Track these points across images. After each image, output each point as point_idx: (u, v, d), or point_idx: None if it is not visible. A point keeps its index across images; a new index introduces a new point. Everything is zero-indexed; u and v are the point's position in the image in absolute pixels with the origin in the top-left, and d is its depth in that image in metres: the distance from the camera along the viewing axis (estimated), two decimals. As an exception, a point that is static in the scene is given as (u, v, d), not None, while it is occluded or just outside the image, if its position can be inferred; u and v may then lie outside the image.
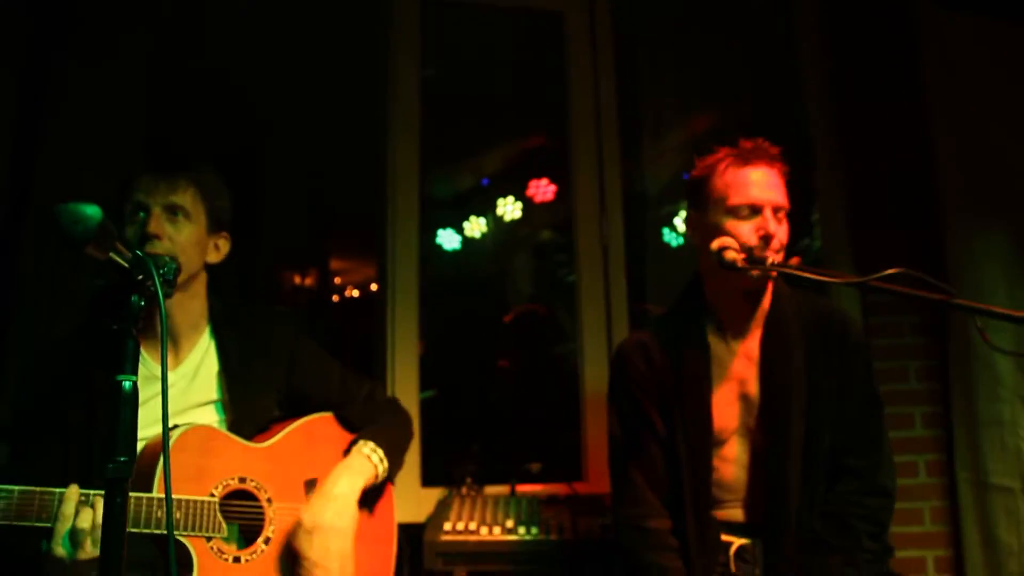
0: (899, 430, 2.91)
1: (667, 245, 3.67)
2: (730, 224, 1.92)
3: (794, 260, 1.82)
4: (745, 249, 1.89)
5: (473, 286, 4.12)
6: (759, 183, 1.92)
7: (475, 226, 4.30)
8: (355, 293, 4.58)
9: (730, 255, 1.86)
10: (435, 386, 3.22)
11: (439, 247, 4.17)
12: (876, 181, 3.09)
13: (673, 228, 3.70)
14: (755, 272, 1.88)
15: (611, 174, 3.16)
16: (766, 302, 2.03)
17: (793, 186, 2.02)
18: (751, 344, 2.01)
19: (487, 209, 4.29)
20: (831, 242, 3.12)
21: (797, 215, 2.06)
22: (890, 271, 1.54)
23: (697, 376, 1.98)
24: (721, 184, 1.95)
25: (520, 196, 4.20)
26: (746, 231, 1.90)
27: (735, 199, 1.93)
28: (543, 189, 4.11)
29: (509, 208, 4.24)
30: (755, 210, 1.91)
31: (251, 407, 1.96)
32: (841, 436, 1.96)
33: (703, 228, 1.99)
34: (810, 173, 3.22)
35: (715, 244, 1.89)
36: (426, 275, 3.08)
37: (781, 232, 1.93)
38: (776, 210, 1.92)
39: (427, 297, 3.04)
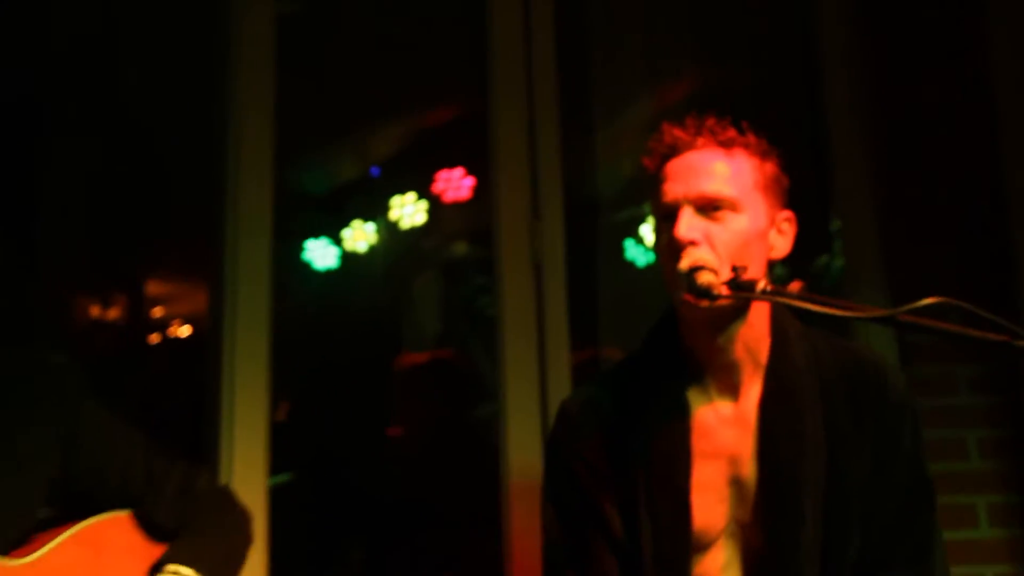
0: (957, 529, 2.90)
1: (630, 264, 3.69)
2: (657, 241, 1.98)
3: (794, 285, 1.80)
4: (734, 270, 1.88)
5: (355, 321, 4.10)
6: (675, 174, 1.97)
7: (359, 235, 4.28)
8: (185, 331, 4.48)
9: (705, 278, 1.85)
10: (293, 467, 3.21)
11: (306, 265, 4.14)
12: (922, 175, 3.14)
13: (639, 239, 3.72)
14: (719, 302, 1.87)
15: (548, 163, 3.15)
16: (764, 346, 2.02)
17: (802, 183, 2.05)
18: (746, 406, 2.00)
19: (377, 211, 4.27)
20: (857, 260, 3.16)
21: (810, 223, 2.08)
22: (926, 301, 1.53)
23: (671, 451, 1.97)
24: (652, 189, 2.02)
25: (424, 193, 4.20)
26: (664, 248, 1.95)
27: (654, 205, 2.00)
28: (455, 184, 4.12)
29: (408, 210, 4.24)
30: (671, 215, 1.95)
31: (3, 508, 1.90)
32: (875, 539, 1.96)
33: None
34: (827, 164, 3.27)
35: (684, 263, 1.88)
36: (284, 305, 3.04)
37: (721, 235, 1.93)
38: (705, 206, 1.93)
39: (285, 338, 2.99)
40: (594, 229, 3.47)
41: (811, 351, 2.04)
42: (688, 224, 1.90)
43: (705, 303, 1.86)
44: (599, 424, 2.03)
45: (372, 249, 4.28)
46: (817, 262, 3.34)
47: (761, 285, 1.82)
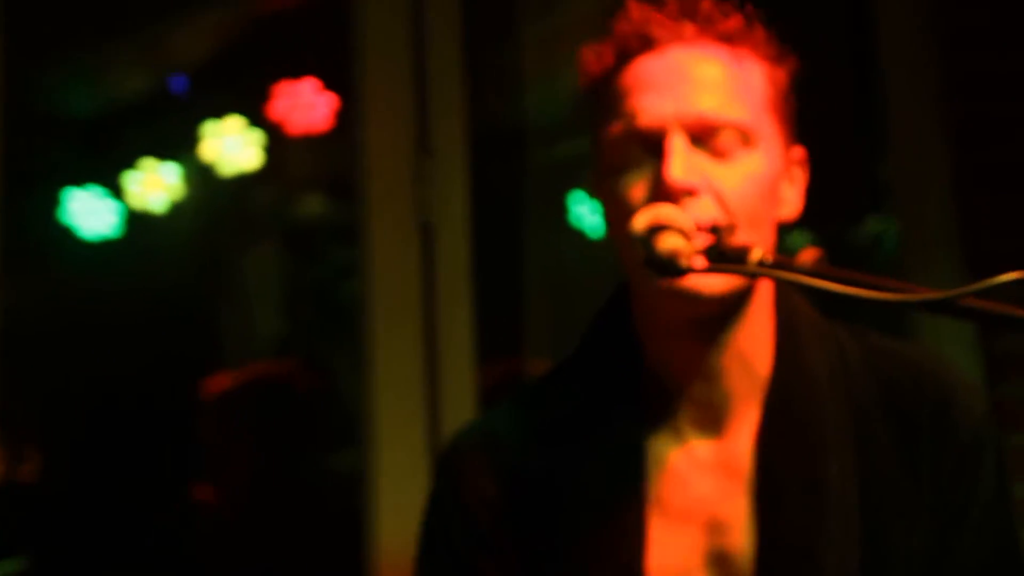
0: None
1: (573, 231, 3.73)
2: (612, 185, 1.93)
3: (806, 254, 1.79)
4: (715, 231, 1.85)
5: (147, 320, 4.03)
6: (654, 81, 1.93)
7: (152, 184, 4.20)
8: None
9: (669, 242, 1.80)
10: (30, 547, 3.18)
11: (66, 231, 4.04)
12: (1010, 99, 3.21)
13: (591, 191, 3.74)
14: (703, 285, 1.85)
15: (444, 71, 3.22)
16: (765, 352, 2.02)
17: (838, 110, 2.01)
18: (736, 445, 1.99)
19: (181, 147, 4.23)
20: (919, 224, 3.23)
21: (853, 170, 2.05)
22: (1005, 277, 1.49)
23: (617, 514, 1.97)
24: (607, 101, 1.97)
25: (256, 119, 4.18)
26: (634, 198, 1.90)
27: (613, 128, 1.94)
28: (305, 104, 4.09)
29: (231, 145, 4.20)
30: (650, 145, 1.91)
31: None
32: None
33: (602, 194, 2.00)
34: (877, 83, 3.32)
35: (640, 222, 1.83)
36: (27, 294, 3.09)
37: (730, 182, 1.90)
38: (704, 135, 1.91)
39: (29, 348, 3.03)
40: (518, 174, 3.52)
41: (838, 359, 2.04)
42: (686, 162, 1.86)
43: (706, 290, 1.85)
44: (506, 472, 2.02)
45: (174, 207, 4.20)
46: (863, 227, 3.38)
47: (757, 255, 1.78)
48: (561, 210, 3.70)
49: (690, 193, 1.85)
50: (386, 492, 3.05)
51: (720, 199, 1.88)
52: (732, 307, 1.96)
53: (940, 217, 3.24)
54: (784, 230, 2.01)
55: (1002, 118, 3.22)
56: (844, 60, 3.43)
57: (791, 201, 2.02)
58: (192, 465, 3.64)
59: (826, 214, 2.09)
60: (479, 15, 3.26)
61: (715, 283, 1.87)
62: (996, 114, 3.22)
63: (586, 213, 3.75)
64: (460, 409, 3.07)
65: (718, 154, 1.90)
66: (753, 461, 1.98)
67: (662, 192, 1.85)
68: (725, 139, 1.91)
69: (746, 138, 1.91)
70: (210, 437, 3.65)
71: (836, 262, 2.12)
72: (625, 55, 1.97)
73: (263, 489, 3.60)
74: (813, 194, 2.04)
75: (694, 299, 1.87)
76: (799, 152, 2.03)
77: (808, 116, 2.04)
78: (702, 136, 1.89)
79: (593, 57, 2.00)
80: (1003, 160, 3.20)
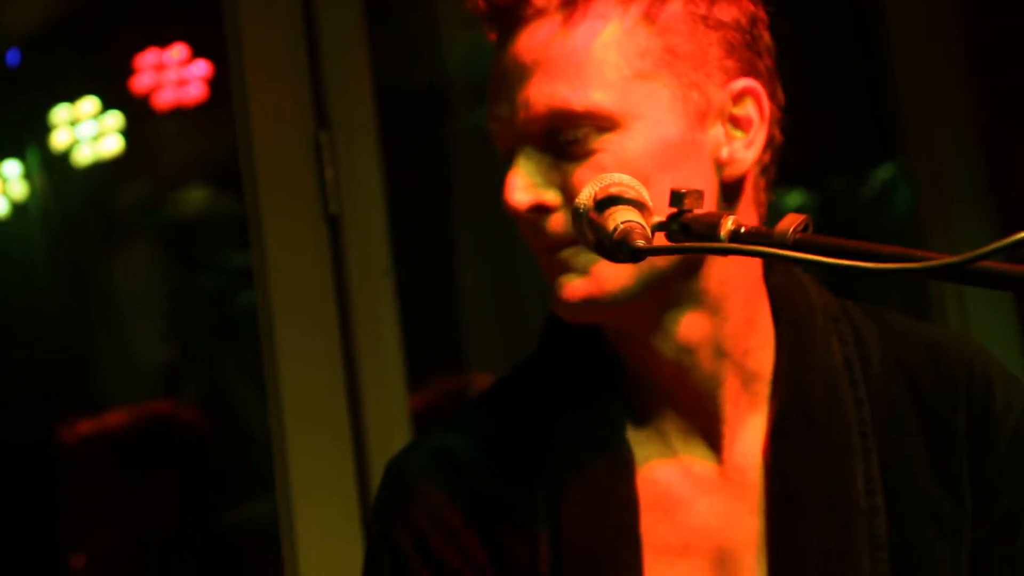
0: None
1: None
2: None
3: (786, 221, 1.76)
4: (676, 196, 1.81)
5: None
6: (500, 83, 1.95)
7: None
8: None
9: (620, 217, 1.76)
10: None
11: None
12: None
13: None
14: (580, 288, 1.86)
15: (341, 26, 3.24)
16: (761, 343, 2.04)
17: (832, 40, 2.00)
18: (739, 457, 2.01)
19: (24, 135, 4.24)
20: (937, 169, 3.26)
21: (842, 108, 2.03)
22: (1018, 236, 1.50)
23: (603, 546, 1.97)
24: None
25: (115, 96, 4.19)
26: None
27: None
28: (175, 75, 4.09)
29: (87, 129, 4.20)
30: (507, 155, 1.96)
31: None
32: None
33: None
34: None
35: (585, 196, 1.80)
36: None
37: (585, 173, 1.87)
38: (548, 135, 1.90)
39: None
40: (444, 146, 3.56)
41: (854, 348, 2.07)
42: (524, 179, 1.89)
43: (592, 291, 1.85)
44: (463, 494, 2.03)
45: (17, 210, 4.21)
46: (871, 179, 3.39)
47: (728, 225, 1.76)
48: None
49: (537, 206, 1.89)
50: (308, 545, 3.08)
51: (575, 196, 1.85)
52: (680, 293, 1.96)
53: (962, 159, 3.27)
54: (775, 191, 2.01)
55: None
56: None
57: (740, 151, 1.97)
58: (60, 531, 3.65)
59: (825, 166, 2.02)
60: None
61: (608, 280, 1.90)
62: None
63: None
64: (391, 442, 3.04)
65: (574, 153, 1.91)
66: (763, 475, 2.01)
67: (515, 215, 1.90)
68: (580, 133, 1.91)
69: (603, 121, 1.91)
70: (86, 493, 3.65)
71: (840, 224, 2.14)
72: (498, 37, 1.99)
73: (156, 549, 3.61)
74: (806, 145, 2.01)
75: (574, 309, 1.90)
76: (746, 85, 1.96)
77: (793, 50, 2.00)
78: (550, 138, 1.91)
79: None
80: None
